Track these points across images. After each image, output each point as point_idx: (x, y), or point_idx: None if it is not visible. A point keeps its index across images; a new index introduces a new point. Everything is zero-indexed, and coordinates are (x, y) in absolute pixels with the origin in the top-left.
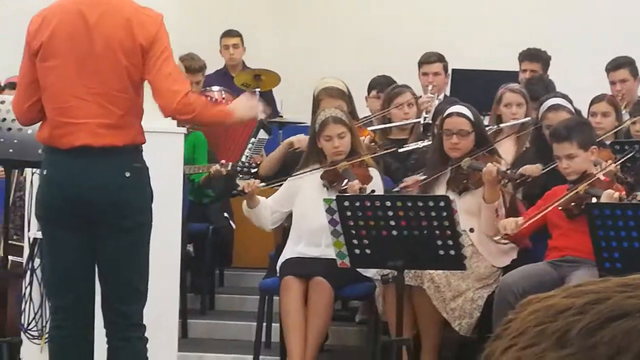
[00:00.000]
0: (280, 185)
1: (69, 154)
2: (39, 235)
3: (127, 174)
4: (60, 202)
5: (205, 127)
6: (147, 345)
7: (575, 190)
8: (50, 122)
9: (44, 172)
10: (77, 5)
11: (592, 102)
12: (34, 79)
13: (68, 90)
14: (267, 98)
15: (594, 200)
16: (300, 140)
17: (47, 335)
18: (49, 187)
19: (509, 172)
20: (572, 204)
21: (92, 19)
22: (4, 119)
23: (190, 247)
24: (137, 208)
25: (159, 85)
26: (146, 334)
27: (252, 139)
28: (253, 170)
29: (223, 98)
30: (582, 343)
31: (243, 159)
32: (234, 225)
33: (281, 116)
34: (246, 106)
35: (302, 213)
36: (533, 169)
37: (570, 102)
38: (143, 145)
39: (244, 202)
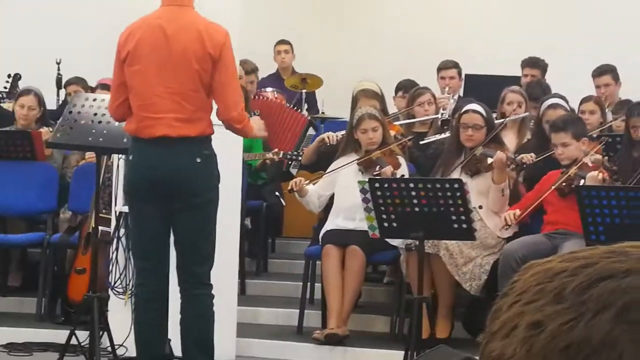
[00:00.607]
0: (320, 178)
1: (150, 143)
2: (124, 209)
3: (198, 160)
4: (142, 182)
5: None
6: (213, 301)
7: (567, 174)
8: (135, 117)
9: (130, 158)
10: (158, 21)
11: (581, 102)
12: (123, 82)
13: (150, 90)
14: (311, 97)
15: (582, 181)
16: (330, 136)
17: (130, 292)
18: (134, 169)
19: (516, 158)
20: (564, 184)
21: (170, 31)
22: (95, 114)
23: (247, 221)
24: (206, 188)
25: (225, 95)
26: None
27: (304, 134)
28: (300, 159)
29: (276, 97)
30: (574, 299)
31: (294, 150)
32: (284, 202)
33: (323, 113)
34: (258, 129)
35: (341, 193)
36: (528, 157)
37: (567, 101)
38: (212, 136)
39: (295, 193)
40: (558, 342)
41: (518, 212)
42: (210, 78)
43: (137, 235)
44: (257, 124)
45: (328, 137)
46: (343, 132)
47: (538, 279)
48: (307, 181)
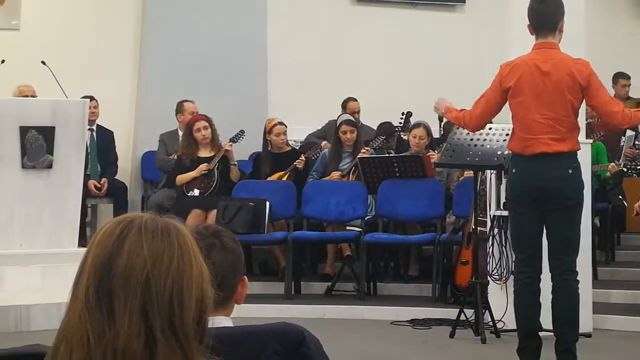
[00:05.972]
0: None
1: (530, 158)
2: (497, 213)
3: (570, 171)
4: (523, 190)
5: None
6: (578, 285)
7: None
8: (518, 137)
9: (513, 171)
10: (534, 61)
11: None
12: (495, 103)
13: (529, 116)
14: None
15: None
16: None
17: (504, 278)
18: (517, 180)
19: None
20: None
21: (544, 68)
22: (472, 139)
23: (596, 220)
24: (575, 194)
25: (603, 111)
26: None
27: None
28: (639, 167)
29: None
30: None
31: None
32: (626, 204)
33: None
34: None
35: None
36: None
37: None
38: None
39: None
40: None
41: None
42: (579, 104)
43: (516, 233)
44: None
45: None
46: None
47: None
48: None
